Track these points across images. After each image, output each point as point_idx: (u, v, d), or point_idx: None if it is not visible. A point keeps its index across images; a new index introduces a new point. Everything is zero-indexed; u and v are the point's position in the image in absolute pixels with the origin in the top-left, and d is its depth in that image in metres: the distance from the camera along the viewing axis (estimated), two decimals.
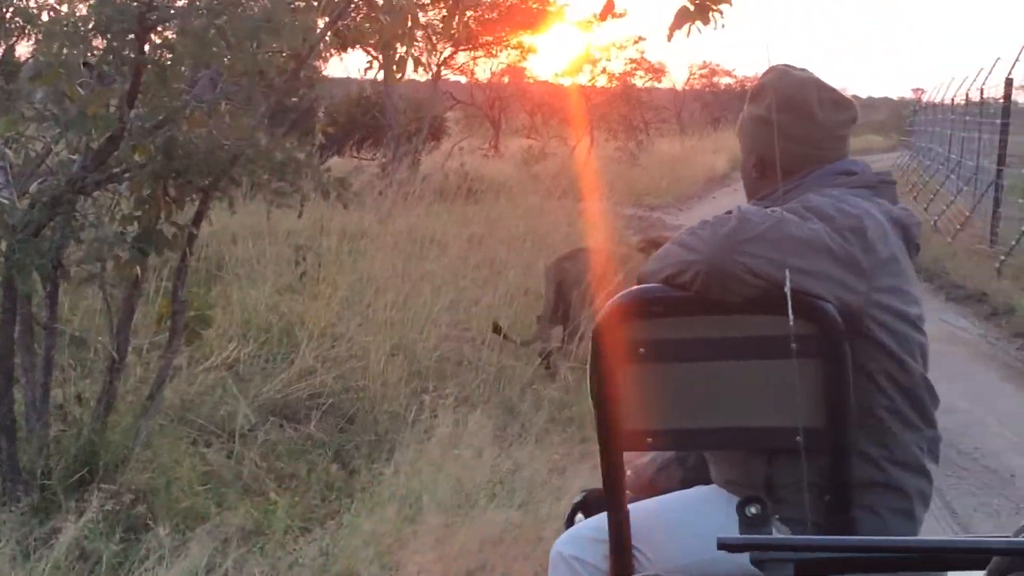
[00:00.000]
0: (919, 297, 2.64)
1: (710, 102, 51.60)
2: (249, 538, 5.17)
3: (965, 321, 12.60)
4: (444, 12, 19.63)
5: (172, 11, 5.05)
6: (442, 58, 21.64)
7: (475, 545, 4.89)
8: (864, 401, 2.45)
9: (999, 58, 18.66)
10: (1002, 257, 15.27)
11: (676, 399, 2.45)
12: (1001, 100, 18.23)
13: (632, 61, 33.30)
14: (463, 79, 27.76)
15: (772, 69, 2.82)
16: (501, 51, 22.29)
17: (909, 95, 63.55)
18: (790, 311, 2.03)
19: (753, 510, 1.57)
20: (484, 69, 26.73)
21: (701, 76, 51.11)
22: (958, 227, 18.91)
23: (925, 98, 38.10)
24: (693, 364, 2.42)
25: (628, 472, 2.72)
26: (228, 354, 7.66)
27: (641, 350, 2.40)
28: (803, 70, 2.80)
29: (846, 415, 2.38)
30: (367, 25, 7.31)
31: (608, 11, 4.52)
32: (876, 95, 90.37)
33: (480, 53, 22.29)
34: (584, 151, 27.71)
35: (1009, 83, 17.82)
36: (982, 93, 21.79)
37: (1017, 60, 17.66)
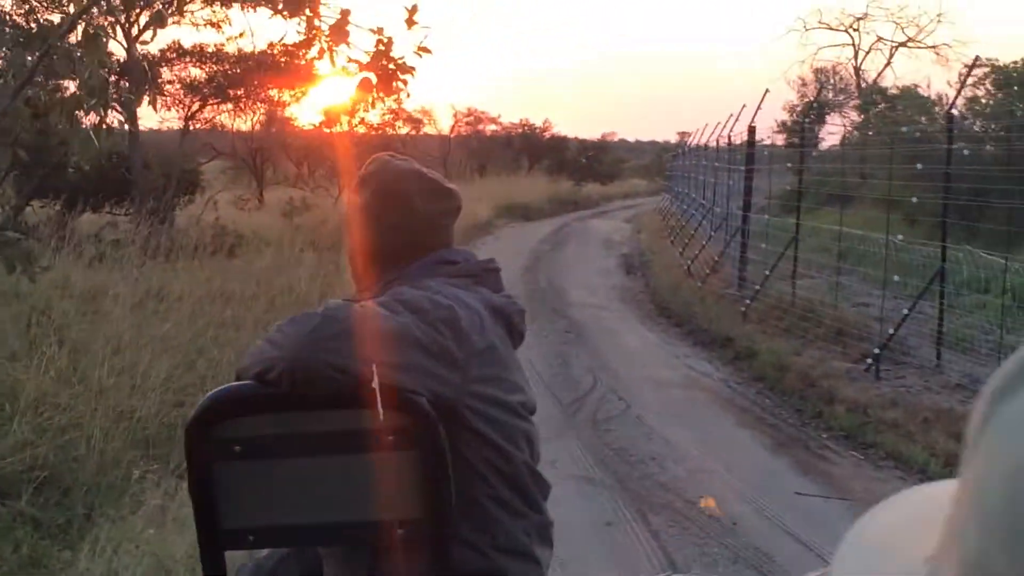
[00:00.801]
0: (524, 384, 2.65)
1: (476, 149, 52.21)
2: None
3: (709, 366, 12.92)
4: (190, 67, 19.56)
5: None
6: (190, 112, 21.31)
7: None
8: (466, 490, 2.43)
9: (745, 105, 19.24)
10: (747, 301, 15.79)
11: (275, 496, 2.36)
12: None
13: (391, 111, 33.60)
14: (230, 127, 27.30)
15: (375, 159, 2.84)
16: (253, 104, 22.00)
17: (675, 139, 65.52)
18: (379, 405, 2.00)
19: None
20: (244, 120, 26.33)
21: (467, 123, 51.64)
22: (707, 272, 19.50)
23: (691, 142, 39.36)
24: (290, 460, 2.33)
25: (249, 564, 2.66)
26: None
27: (236, 448, 2.30)
28: (406, 160, 2.83)
29: (447, 505, 2.34)
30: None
31: (411, 22, 4.42)
32: (644, 138, 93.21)
33: (229, 107, 21.97)
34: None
35: (752, 130, 18.43)
36: (730, 139, 22.51)
37: (759, 108, 18.34)
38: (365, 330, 2.30)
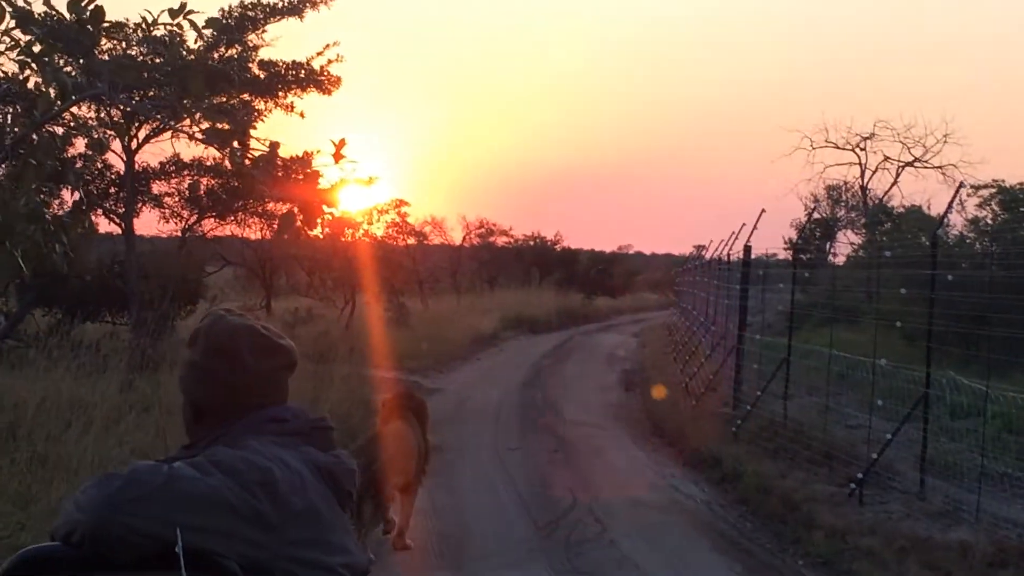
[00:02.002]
0: (350, 544, 2.61)
1: (487, 260, 52.38)
2: None
3: (695, 487, 12.82)
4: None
5: None
6: (188, 224, 21.53)
7: None
8: None
9: (744, 223, 19.29)
10: (739, 421, 15.70)
11: None
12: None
13: (393, 224, 33.95)
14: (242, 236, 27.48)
15: (209, 314, 2.82)
16: (251, 217, 22.20)
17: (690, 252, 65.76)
18: (182, 569, 2.00)
19: None
20: (253, 230, 26.51)
21: (478, 235, 51.86)
22: (703, 390, 19.43)
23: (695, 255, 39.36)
24: None
25: None
26: None
27: None
28: (240, 316, 2.80)
29: None
30: None
31: (338, 156, 4.47)
32: (660, 251, 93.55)
33: (228, 218, 22.19)
34: (356, 312, 27.86)
35: (747, 250, 18.46)
36: (729, 257, 22.53)
37: (755, 227, 18.40)
38: (171, 492, 2.27)
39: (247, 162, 4.50)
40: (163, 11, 4.47)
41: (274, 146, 4.52)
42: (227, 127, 4.50)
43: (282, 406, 2.74)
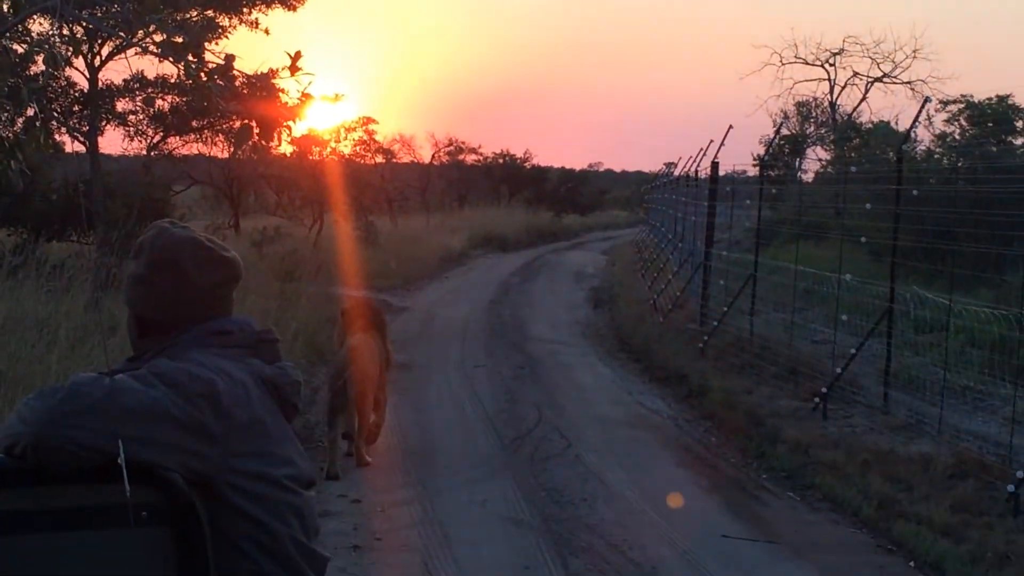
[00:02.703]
0: (296, 456, 2.61)
1: (456, 179, 52.23)
2: None
3: (662, 403, 12.89)
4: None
5: None
6: (153, 143, 21.30)
7: None
8: (228, 567, 2.38)
9: (712, 140, 19.23)
10: (705, 338, 15.78)
11: (24, 574, 2.31)
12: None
13: (361, 142, 33.69)
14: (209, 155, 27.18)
15: (153, 226, 2.78)
16: (216, 134, 21.94)
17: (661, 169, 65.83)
18: (126, 481, 2.02)
19: None
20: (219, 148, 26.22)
21: (447, 153, 51.65)
22: (670, 307, 19.50)
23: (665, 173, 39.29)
24: (41, 536, 2.27)
25: None
26: None
27: None
28: (184, 228, 2.75)
29: None
30: None
31: (294, 69, 4.41)
32: (631, 169, 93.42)
33: (193, 137, 21.97)
34: (324, 231, 27.75)
35: (715, 166, 18.44)
36: (697, 174, 22.52)
37: (722, 144, 18.37)
38: (112, 405, 2.26)
39: (202, 76, 4.43)
40: None
41: (229, 59, 4.44)
42: (181, 40, 4.43)
43: (227, 318, 2.71)
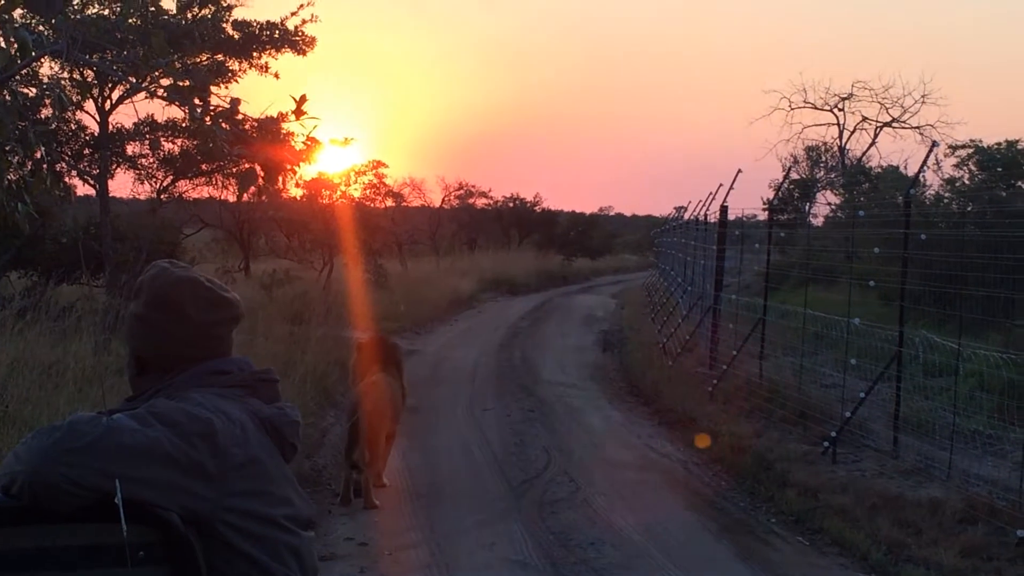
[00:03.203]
0: (294, 496, 2.61)
1: (466, 222, 52.30)
2: None
3: (671, 446, 12.84)
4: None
5: None
6: (163, 186, 21.40)
7: None
8: None
9: (721, 184, 19.26)
10: (715, 381, 15.75)
11: None
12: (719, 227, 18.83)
13: (371, 186, 33.80)
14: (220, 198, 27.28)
15: (153, 266, 2.79)
16: (226, 178, 22.03)
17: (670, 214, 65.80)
18: (123, 520, 2.02)
19: None
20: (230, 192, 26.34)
21: (456, 197, 51.77)
22: (679, 350, 19.46)
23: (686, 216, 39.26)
24: (40, 575, 2.28)
25: None
26: None
27: None
28: (184, 267, 2.78)
29: None
30: None
31: (299, 112, 4.43)
32: (641, 213, 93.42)
33: (203, 181, 22.06)
34: (334, 273, 27.81)
35: (724, 210, 18.46)
36: (706, 217, 22.52)
37: (732, 188, 18.39)
38: (110, 444, 2.27)
39: (207, 120, 4.45)
40: None
41: (235, 102, 4.47)
42: (187, 84, 4.46)
43: (226, 359, 2.72)
